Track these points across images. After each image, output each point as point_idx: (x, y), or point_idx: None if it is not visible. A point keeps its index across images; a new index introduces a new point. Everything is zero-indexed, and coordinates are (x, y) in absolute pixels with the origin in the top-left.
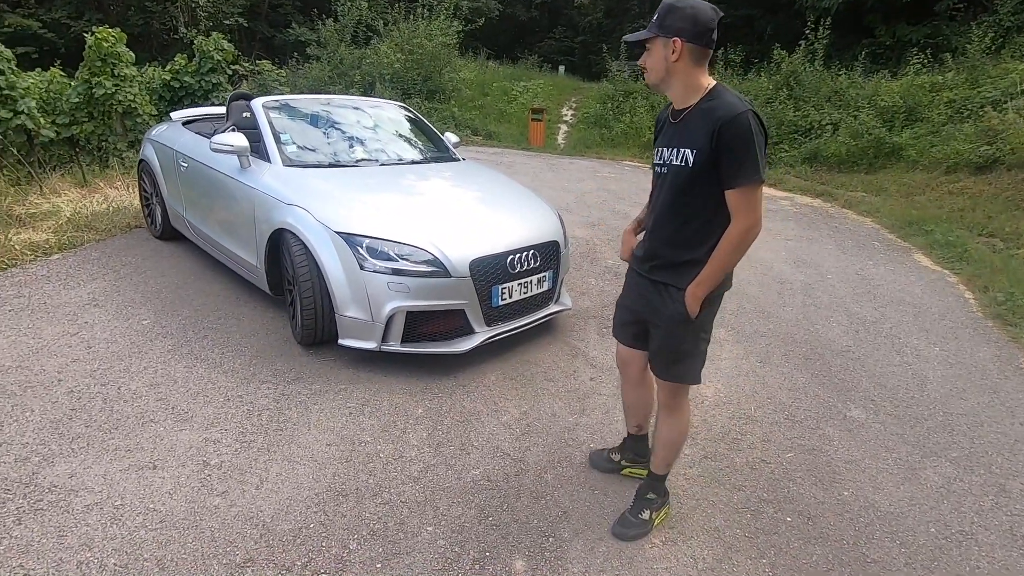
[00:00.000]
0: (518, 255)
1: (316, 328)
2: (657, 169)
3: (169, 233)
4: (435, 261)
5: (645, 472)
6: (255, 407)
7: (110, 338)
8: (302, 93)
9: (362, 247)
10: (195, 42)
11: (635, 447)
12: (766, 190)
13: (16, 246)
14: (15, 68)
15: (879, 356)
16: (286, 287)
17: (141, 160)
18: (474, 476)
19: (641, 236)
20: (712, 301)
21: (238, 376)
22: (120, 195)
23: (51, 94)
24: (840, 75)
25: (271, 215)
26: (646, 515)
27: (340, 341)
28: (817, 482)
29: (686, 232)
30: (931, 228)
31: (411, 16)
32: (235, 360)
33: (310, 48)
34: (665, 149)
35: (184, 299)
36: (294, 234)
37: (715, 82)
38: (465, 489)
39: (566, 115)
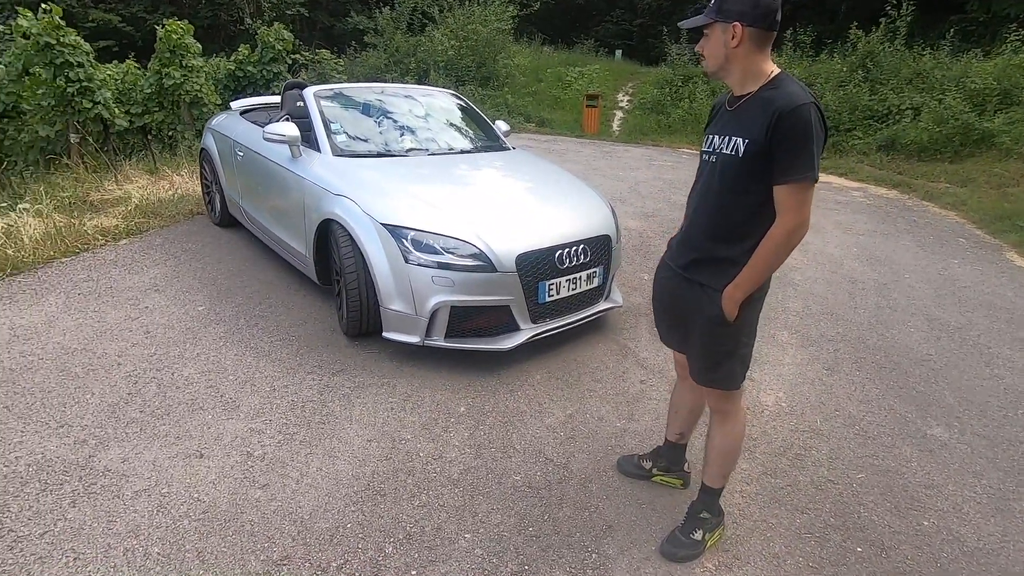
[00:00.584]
0: (567, 250)
1: (361, 320)
2: (705, 156)
3: (227, 220)
4: (480, 255)
5: (679, 482)
6: (299, 398)
7: (167, 323)
8: (359, 81)
9: (407, 239)
10: (257, 33)
11: (671, 455)
12: (836, 180)
13: (88, 231)
14: (93, 61)
15: (965, 367)
16: (333, 277)
17: (202, 149)
18: (515, 481)
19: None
20: (753, 302)
21: (284, 366)
22: (185, 182)
23: (126, 85)
24: (924, 55)
25: (320, 205)
26: (698, 535)
27: (384, 334)
28: (892, 508)
29: (728, 225)
30: None
31: (466, 2)
32: (283, 349)
33: (367, 36)
34: (716, 136)
35: (238, 286)
36: (341, 225)
37: (779, 70)
38: (505, 495)
39: (622, 101)
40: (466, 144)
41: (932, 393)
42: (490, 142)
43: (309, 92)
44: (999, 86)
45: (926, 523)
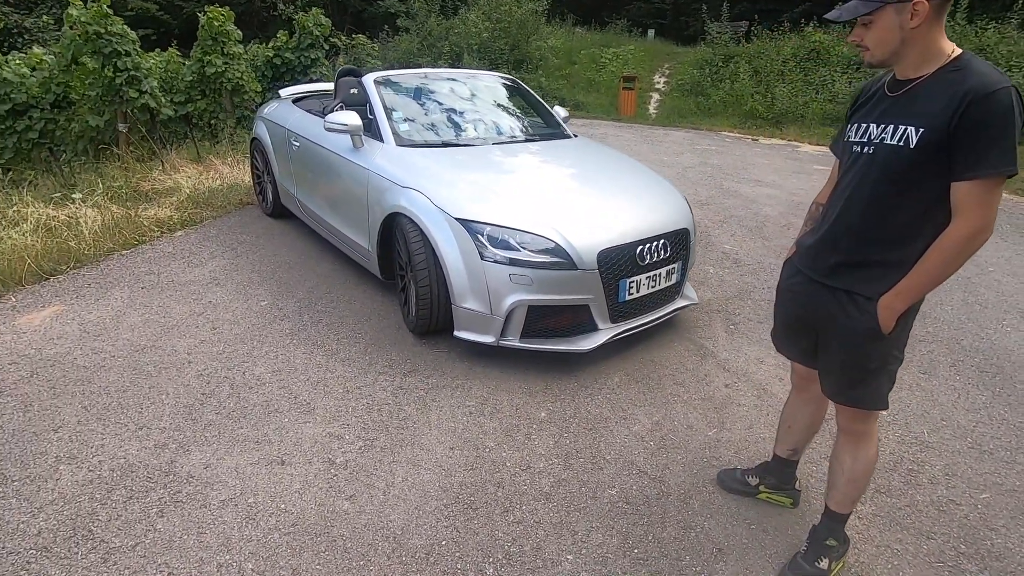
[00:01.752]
0: (648, 245)
1: (431, 318)
2: (856, 148)
3: (279, 211)
4: (561, 252)
5: (788, 501)
6: (374, 401)
7: (232, 319)
8: (392, 66)
9: (483, 235)
10: (295, 19)
11: (781, 472)
12: None
13: (145, 223)
14: (139, 50)
15: None
16: (397, 272)
17: (254, 138)
18: (611, 496)
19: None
20: (910, 312)
21: (355, 366)
22: (231, 172)
23: (169, 74)
24: (988, 29)
25: (385, 198)
26: (824, 564)
27: (456, 333)
28: None
29: (888, 226)
30: None
31: None
32: (351, 348)
33: (400, 20)
34: (873, 124)
35: (297, 280)
36: (410, 219)
37: (959, 48)
38: (603, 512)
39: (658, 83)
40: (529, 132)
41: None
42: (552, 129)
43: (369, 79)
44: None
45: None
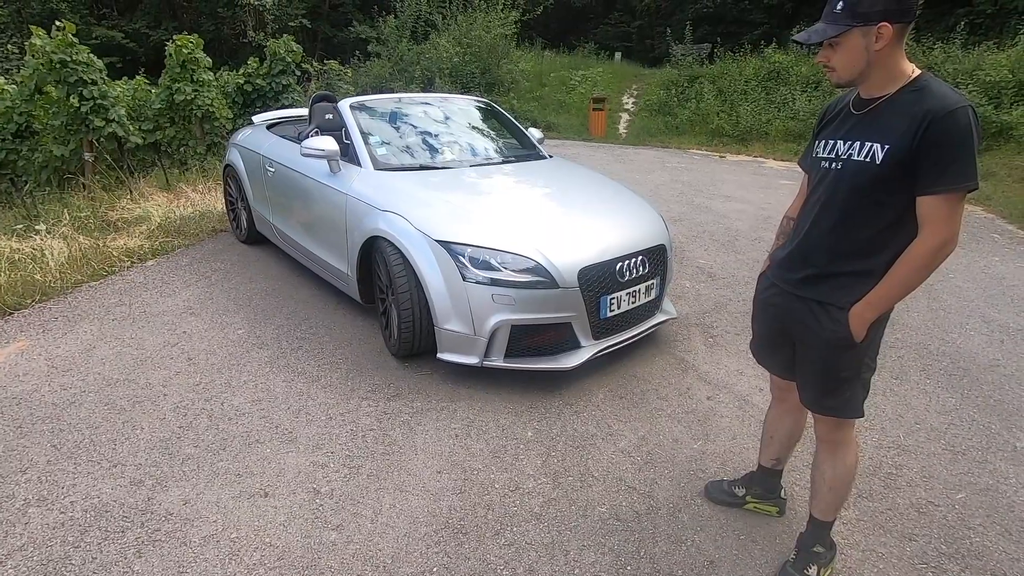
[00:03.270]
0: (627, 262)
1: (414, 341)
2: (824, 164)
3: (254, 237)
4: (542, 270)
5: (774, 509)
6: (358, 427)
7: (209, 349)
8: (365, 91)
9: (464, 256)
10: (267, 45)
11: (766, 482)
12: None
13: (114, 253)
14: (106, 78)
15: None
16: (377, 296)
17: (227, 165)
18: (601, 514)
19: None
20: (881, 320)
21: (337, 392)
22: (203, 199)
23: (137, 101)
24: (934, 49)
25: (364, 222)
26: (813, 571)
27: (439, 355)
28: (1004, 533)
29: (857, 239)
30: None
31: (469, 8)
32: (332, 373)
33: (371, 45)
34: (841, 141)
35: (275, 307)
36: (390, 242)
37: (919, 69)
38: (594, 530)
39: (627, 103)
40: (506, 153)
41: (1010, 401)
42: (527, 150)
43: (344, 105)
44: (1014, 78)
45: None
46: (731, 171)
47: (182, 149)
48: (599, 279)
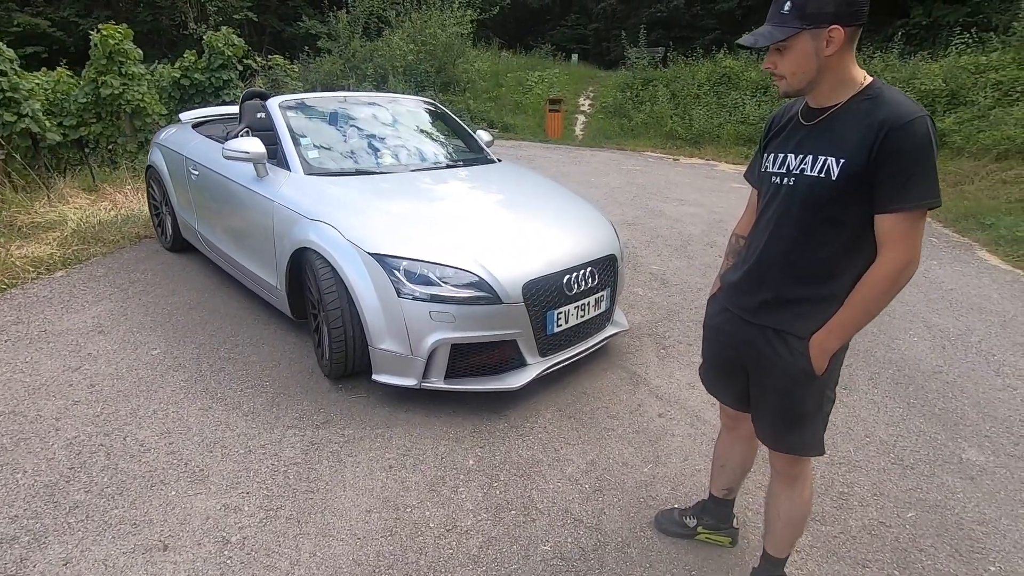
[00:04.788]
0: (575, 274)
1: (347, 361)
2: (775, 180)
3: (180, 245)
4: (484, 285)
5: (727, 540)
6: (280, 461)
7: (116, 373)
8: (314, 88)
9: (399, 270)
10: (204, 38)
11: (718, 512)
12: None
13: (17, 263)
14: (18, 69)
15: (977, 378)
16: (310, 311)
17: (149, 166)
18: (544, 553)
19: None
20: (842, 348)
21: (260, 420)
22: (129, 201)
23: (58, 95)
24: (874, 58)
25: (292, 231)
26: None
27: (374, 377)
28: (954, 553)
29: (813, 261)
30: (991, 221)
31: (423, 6)
32: (255, 399)
33: (321, 41)
34: (791, 155)
35: (198, 322)
36: (319, 254)
37: (870, 76)
38: (536, 572)
39: (583, 105)
40: (450, 157)
41: (954, 410)
42: (475, 154)
43: (274, 103)
44: (947, 87)
45: (993, 568)
46: (685, 174)
47: (110, 147)
48: (545, 293)
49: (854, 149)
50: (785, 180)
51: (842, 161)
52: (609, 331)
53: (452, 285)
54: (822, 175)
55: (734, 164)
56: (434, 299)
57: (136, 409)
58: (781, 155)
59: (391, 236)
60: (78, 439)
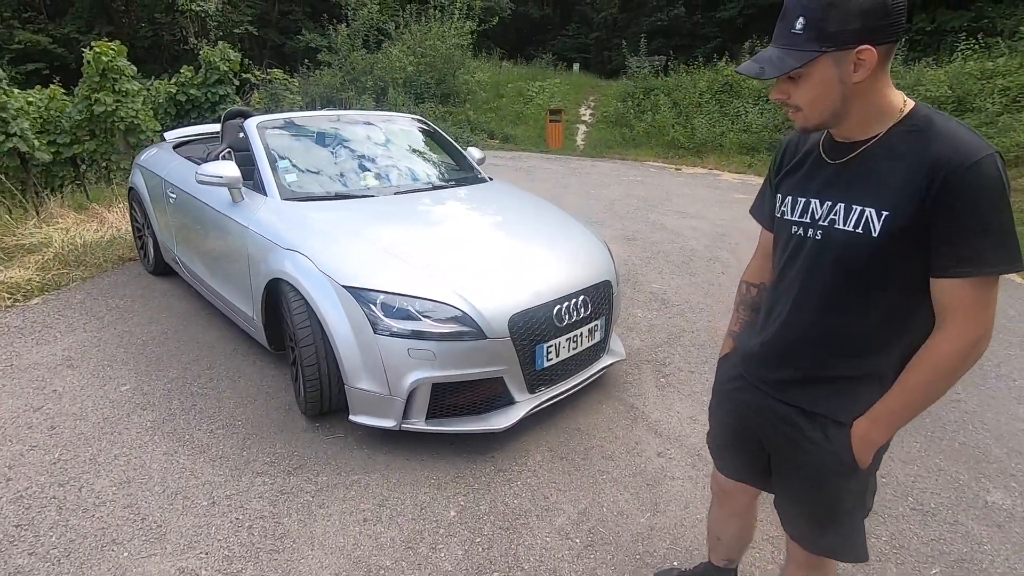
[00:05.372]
0: (566, 304)
1: (321, 400)
2: (797, 230)
3: (162, 268)
4: (466, 319)
5: None
6: (246, 515)
7: (80, 413)
8: (314, 101)
9: (375, 304)
10: (200, 53)
11: None
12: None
13: None
14: (6, 88)
15: (999, 408)
16: (288, 344)
17: (131, 188)
18: None
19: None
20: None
21: (228, 465)
22: (117, 220)
23: (51, 113)
24: None
25: (267, 260)
26: None
27: (351, 417)
28: None
29: (853, 333)
30: None
31: (423, 18)
32: (225, 441)
33: (321, 55)
34: (816, 201)
35: (172, 353)
36: (293, 286)
37: (911, 100)
38: None
39: (584, 115)
40: (437, 178)
41: (976, 445)
42: (464, 173)
43: (251, 123)
44: (953, 94)
45: None
46: (687, 184)
47: (105, 165)
48: (534, 326)
49: (900, 197)
50: (810, 233)
51: (884, 213)
52: (604, 361)
53: (433, 320)
54: (859, 230)
55: (737, 173)
56: (414, 335)
57: (96, 455)
58: (802, 200)
59: (368, 266)
60: (29, 491)
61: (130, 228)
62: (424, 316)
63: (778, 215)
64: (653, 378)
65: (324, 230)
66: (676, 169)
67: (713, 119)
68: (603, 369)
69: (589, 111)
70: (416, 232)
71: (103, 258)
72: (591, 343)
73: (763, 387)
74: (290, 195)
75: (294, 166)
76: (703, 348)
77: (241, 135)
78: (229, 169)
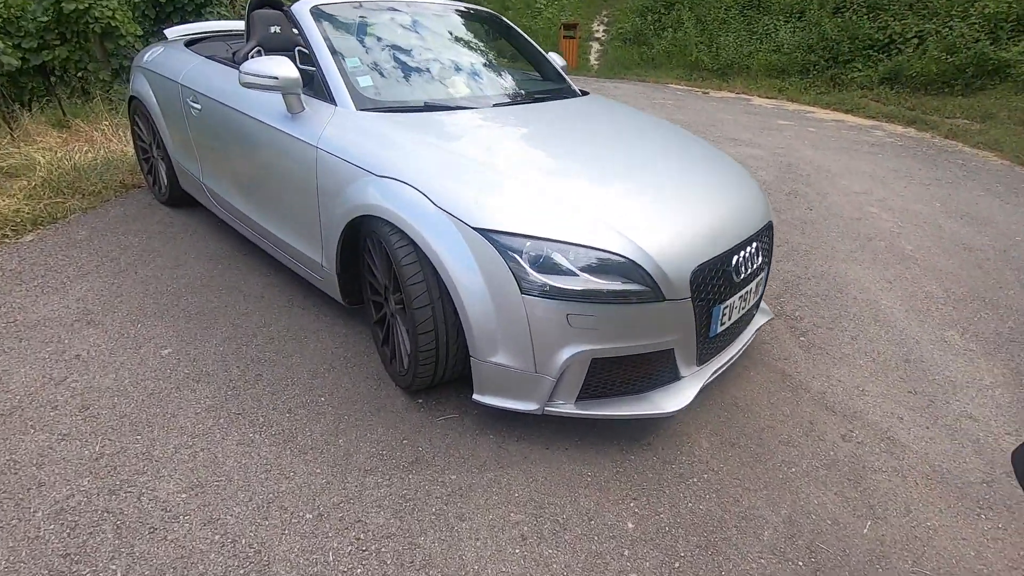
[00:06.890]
0: (743, 252)
1: (435, 374)
2: None
3: (178, 197)
4: (638, 274)
5: None
6: (368, 534)
7: (116, 387)
8: None
9: (522, 255)
10: None
11: None
12: (846, 116)
13: None
14: None
15: None
16: (369, 297)
17: (132, 96)
18: None
19: None
20: None
21: (324, 459)
22: (109, 141)
23: (12, 12)
24: None
25: (347, 191)
26: None
27: (476, 397)
28: None
29: None
30: None
31: None
32: (312, 425)
33: None
34: None
35: (215, 307)
36: (395, 226)
37: None
38: None
39: (598, 31)
40: (532, 88)
41: None
42: (557, 84)
43: (303, 8)
44: (1012, 10)
45: None
46: (723, 109)
47: (81, 74)
48: (713, 281)
49: None
50: None
51: None
52: (759, 321)
53: (597, 276)
54: None
55: (767, 99)
56: (575, 296)
57: (151, 447)
58: None
59: (506, 203)
60: (71, 501)
61: (132, 148)
62: (583, 271)
63: None
64: (791, 337)
65: (427, 152)
66: (703, 92)
67: (740, 38)
68: (757, 331)
69: (603, 27)
70: (549, 158)
71: (102, 184)
72: (755, 300)
73: None
74: (367, 104)
75: (365, 65)
76: (829, 300)
77: (274, 30)
78: (285, 68)
